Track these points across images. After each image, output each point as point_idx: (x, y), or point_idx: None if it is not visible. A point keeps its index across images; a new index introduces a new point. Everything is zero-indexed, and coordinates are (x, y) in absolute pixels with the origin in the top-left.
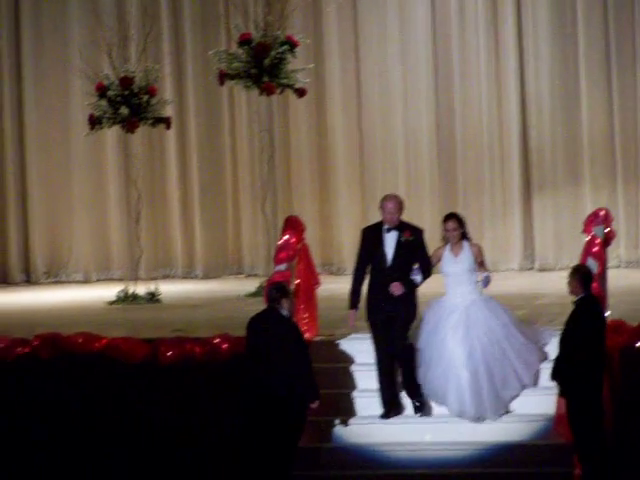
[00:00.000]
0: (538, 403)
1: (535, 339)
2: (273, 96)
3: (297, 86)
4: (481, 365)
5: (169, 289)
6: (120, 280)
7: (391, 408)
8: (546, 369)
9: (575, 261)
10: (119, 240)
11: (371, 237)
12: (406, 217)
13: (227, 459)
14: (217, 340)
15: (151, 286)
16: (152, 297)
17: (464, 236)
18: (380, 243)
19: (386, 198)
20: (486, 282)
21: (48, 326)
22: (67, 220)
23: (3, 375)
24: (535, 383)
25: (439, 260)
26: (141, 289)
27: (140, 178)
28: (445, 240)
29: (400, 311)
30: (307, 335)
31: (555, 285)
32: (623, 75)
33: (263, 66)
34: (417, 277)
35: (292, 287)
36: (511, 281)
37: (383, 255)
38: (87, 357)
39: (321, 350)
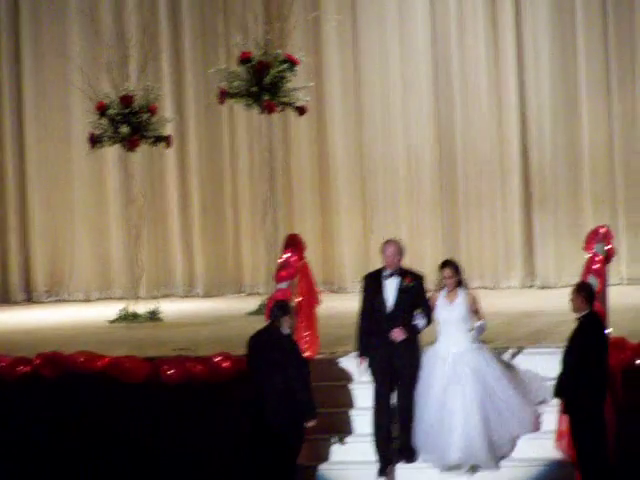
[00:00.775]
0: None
1: (529, 393)
2: (273, 114)
3: (297, 104)
4: (475, 415)
5: (170, 308)
6: (121, 299)
7: (388, 463)
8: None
9: (576, 278)
10: (120, 259)
11: (372, 283)
12: (407, 233)
13: (229, 477)
14: (218, 358)
15: (152, 305)
16: (153, 315)
17: (460, 283)
18: (380, 289)
19: (387, 243)
20: (480, 331)
21: (50, 345)
22: (68, 239)
23: (5, 394)
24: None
25: (433, 306)
26: (142, 308)
27: (140, 197)
28: (440, 286)
29: (405, 365)
30: (308, 353)
31: (556, 303)
32: (623, 88)
33: (263, 84)
34: (419, 322)
35: (293, 305)
36: (512, 299)
37: (383, 301)
38: (89, 376)
39: (321, 368)
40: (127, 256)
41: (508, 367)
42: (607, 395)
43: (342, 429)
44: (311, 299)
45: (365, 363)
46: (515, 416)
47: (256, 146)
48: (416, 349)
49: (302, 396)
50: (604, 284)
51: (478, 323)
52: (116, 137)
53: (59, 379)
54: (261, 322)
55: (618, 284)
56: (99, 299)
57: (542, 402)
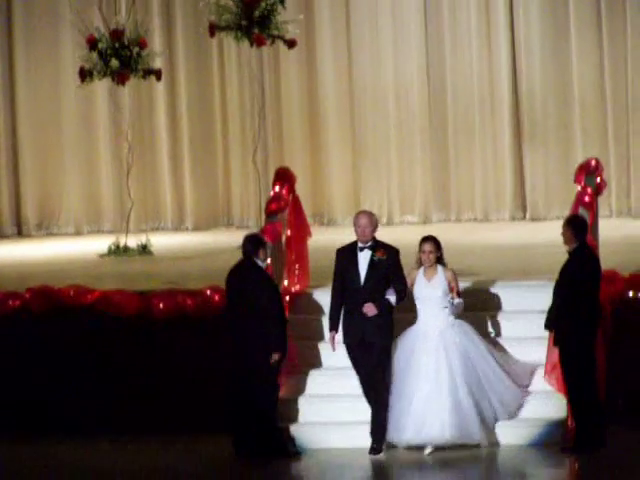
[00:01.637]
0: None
1: (514, 375)
2: (263, 48)
3: (287, 37)
4: (464, 391)
5: (160, 241)
6: (111, 232)
7: (380, 442)
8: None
9: (566, 211)
10: (109, 193)
11: (344, 257)
12: (397, 167)
13: (219, 411)
14: (209, 292)
15: (142, 238)
16: (143, 249)
17: (439, 260)
18: (353, 263)
19: (359, 214)
20: (456, 309)
21: (40, 279)
22: (58, 172)
23: None
24: (509, 418)
25: (412, 283)
26: (132, 241)
27: (130, 131)
28: (419, 262)
29: (376, 338)
30: (298, 286)
31: (547, 235)
32: (613, 21)
33: (253, 18)
34: (391, 297)
35: (283, 238)
36: (503, 232)
37: (356, 275)
38: (79, 310)
39: (309, 300)
40: (117, 190)
41: (493, 349)
42: (598, 327)
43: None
44: (301, 232)
45: (337, 337)
46: (501, 393)
47: (246, 80)
48: (388, 325)
49: (273, 329)
50: (594, 217)
51: (456, 301)
52: (106, 71)
53: (49, 313)
54: None
55: (608, 216)
56: (89, 232)
57: (525, 386)
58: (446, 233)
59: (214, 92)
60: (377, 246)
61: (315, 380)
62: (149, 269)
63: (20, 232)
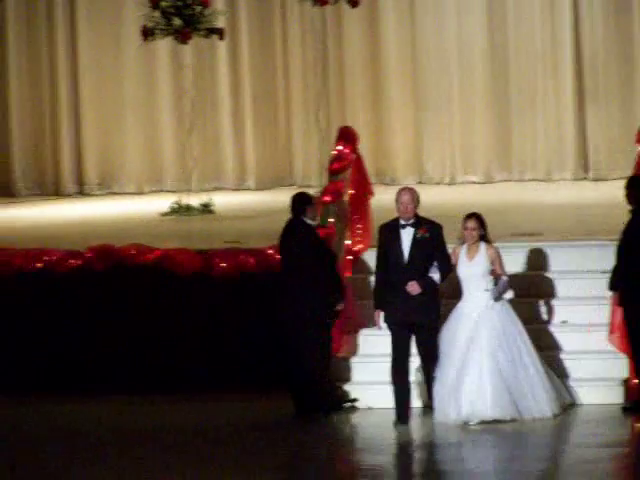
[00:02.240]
0: None
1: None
2: (326, 7)
3: None
4: (503, 374)
5: (221, 201)
6: (172, 192)
7: (406, 412)
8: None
9: (629, 171)
10: (171, 152)
11: (387, 234)
12: (458, 126)
13: (275, 367)
14: (270, 250)
15: (204, 197)
16: (205, 208)
17: (482, 238)
18: (396, 240)
19: (401, 190)
20: (502, 288)
21: (101, 238)
22: (120, 132)
23: (56, 287)
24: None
25: (456, 262)
26: (194, 200)
27: (192, 89)
28: (462, 240)
29: (421, 317)
30: (361, 246)
31: (610, 195)
32: None
33: None
34: (435, 275)
35: (345, 198)
36: (564, 191)
37: (400, 253)
38: (140, 269)
39: (369, 260)
40: (178, 149)
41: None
42: None
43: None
44: (364, 191)
45: (380, 318)
46: (540, 380)
47: (309, 39)
48: (433, 302)
49: (329, 282)
50: None
51: (502, 279)
52: (168, 29)
53: (110, 272)
54: None
55: None
56: (151, 191)
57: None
58: (508, 193)
59: (276, 51)
60: (420, 223)
61: (370, 340)
62: (210, 228)
63: (81, 191)
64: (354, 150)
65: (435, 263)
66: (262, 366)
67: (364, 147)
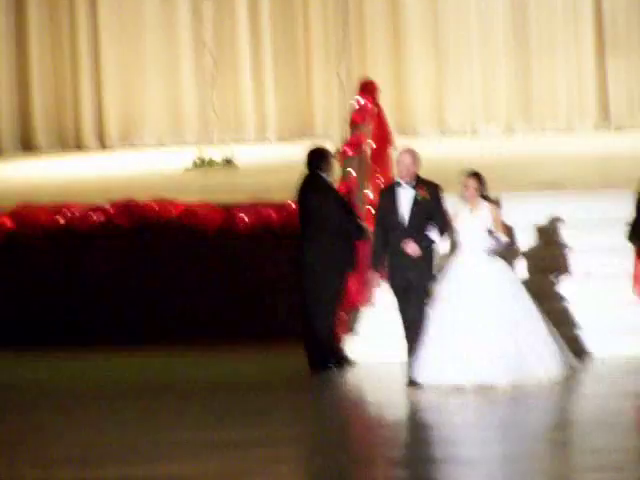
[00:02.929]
0: None
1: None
2: None
3: None
4: (507, 333)
5: (242, 153)
6: (194, 144)
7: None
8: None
9: None
10: (192, 104)
11: (387, 197)
12: (480, 78)
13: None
14: (293, 204)
15: (226, 150)
16: (227, 162)
17: (483, 196)
18: (396, 202)
19: (402, 152)
20: (499, 243)
21: (123, 192)
22: (140, 84)
23: (79, 242)
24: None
25: (456, 217)
26: (216, 154)
27: (212, 43)
28: (463, 199)
29: (417, 277)
30: None
31: (631, 146)
32: None
33: None
34: (432, 233)
35: (367, 150)
36: (586, 141)
37: (399, 215)
38: (163, 223)
39: None
40: (200, 101)
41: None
42: None
43: None
44: (385, 143)
45: (378, 279)
46: (544, 342)
47: None
48: (430, 261)
49: (349, 225)
50: None
51: (501, 238)
52: None
53: (133, 227)
54: (335, 166)
55: None
56: (172, 144)
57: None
58: (529, 143)
59: (297, 3)
60: (419, 184)
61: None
62: (233, 182)
63: (103, 144)
64: (375, 102)
65: (433, 223)
66: (282, 321)
67: (385, 99)
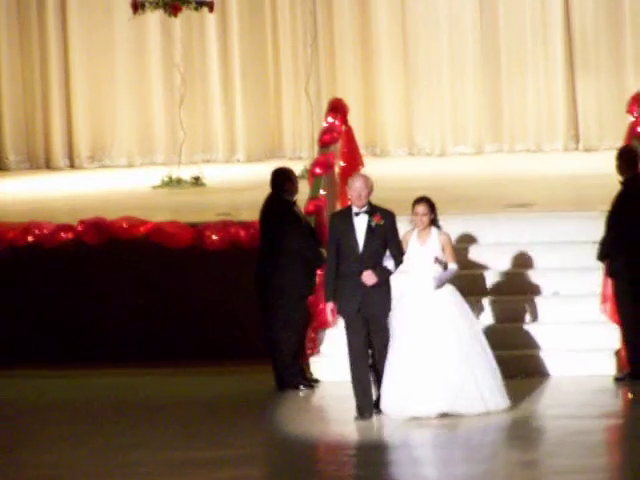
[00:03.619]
0: None
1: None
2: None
3: None
4: (460, 360)
5: (212, 173)
6: (163, 164)
7: (367, 408)
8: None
9: (620, 142)
10: (162, 124)
11: (340, 223)
12: (449, 97)
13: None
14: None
15: (195, 170)
16: (196, 181)
17: (433, 222)
18: (350, 229)
19: (353, 177)
20: (449, 274)
21: (92, 211)
22: (110, 105)
23: (48, 261)
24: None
25: (406, 247)
26: (185, 173)
27: (182, 62)
28: (413, 225)
29: (379, 310)
30: None
31: (600, 166)
32: None
33: None
34: (389, 264)
35: (336, 170)
36: (555, 162)
37: (354, 242)
38: (132, 242)
39: None
40: (169, 121)
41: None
42: None
43: None
44: (354, 163)
45: (335, 311)
46: (487, 382)
47: (298, 11)
48: (388, 292)
49: (308, 253)
50: None
51: (450, 266)
52: (158, 2)
53: (102, 245)
54: (304, 187)
55: None
56: (142, 164)
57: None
58: (499, 164)
59: (266, 23)
60: (373, 211)
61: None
62: (202, 201)
63: (72, 164)
64: (344, 122)
65: (387, 252)
66: (249, 340)
67: (354, 119)
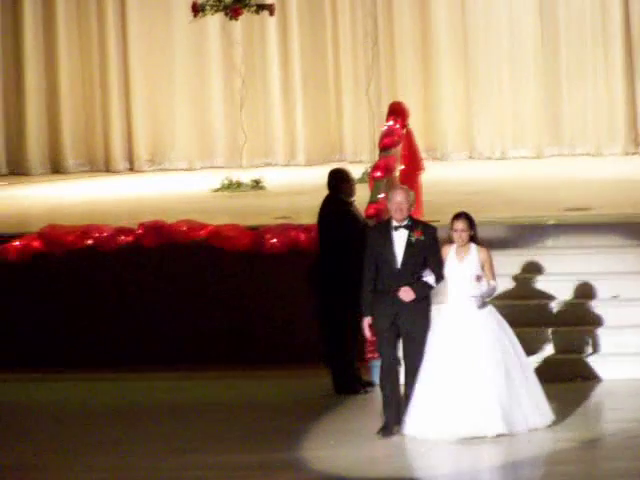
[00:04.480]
0: None
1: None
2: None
3: None
4: (501, 381)
5: (272, 176)
6: (223, 168)
7: (395, 423)
8: None
9: None
10: (221, 128)
11: (378, 236)
12: (509, 100)
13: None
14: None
15: (254, 173)
16: (256, 184)
17: (473, 238)
18: (388, 243)
19: (394, 191)
20: (489, 292)
21: (152, 214)
22: (170, 107)
23: (107, 264)
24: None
25: (444, 262)
26: (245, 176)
27: (242, 65)
28: (451, 240)
29: (415, 326)
30: None
31: None
32: None
33: None
34: (429, 278)
35: (396, 173)
36: (615, 166)
37: (392, 256)
38: (191, 245)
39: None
40: (229, 125)
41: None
42: None
43: None
44: (415, 167)
45: (369, 326)
46: (530, 400)
47: (359, 14)
48: (426, 309)
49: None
50: None
51: (490, 284)
52: (219, 5)
53: (161, 248)
54: (364, 190)
55: None
56: (202, 168)
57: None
58: (558, 168)
59: (326, 26)
60: (414, 225)
61: None
62: (262, 204)
63: (132, 168)
64: (405, 125)
65: (428, 266)
66: (309, 344)
67: (415, 122)
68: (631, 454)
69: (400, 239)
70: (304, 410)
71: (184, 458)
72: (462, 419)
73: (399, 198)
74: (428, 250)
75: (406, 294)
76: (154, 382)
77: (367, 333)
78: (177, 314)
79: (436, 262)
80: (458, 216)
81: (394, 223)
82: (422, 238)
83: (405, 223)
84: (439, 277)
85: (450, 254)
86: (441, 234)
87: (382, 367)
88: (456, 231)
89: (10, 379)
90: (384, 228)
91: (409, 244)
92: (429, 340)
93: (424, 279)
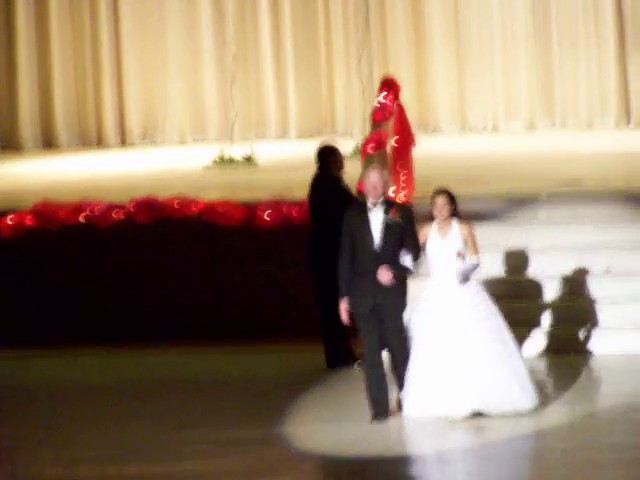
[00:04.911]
0: None
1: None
2: None
3: None
4: (492, 359)
5: (264, 150)
6: (215, 141)
7: (383, 408)
8: None
9: None
10: (213, 101)
11: (354, 217)
12: (501, 74)
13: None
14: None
15: (246, 148)
16: (248, 160)
17: (454, 213)
18: (365, 224)
19: (369, 171)
20: (472, 268)
21: (144, 190)
22: (162, 82)
23: (99, 240)
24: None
25: (425, 240)
26: (237, 151)
27: (234, 39)
28: (432, 218)
29: (392, 306)
30: (405, 193)
31: None
32: None
33: None
34: (406, 259)
35: (388, 148)
36: (607, 139)
37: (369, 238)
38: (184, 221)
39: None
40: (221, 99)
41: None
42: None
43: None
44: (407, 140)
45: (347, 308)
46: (515, 379)
47: None
48: (404, 291)
49: None
50: None
51: (472, 259)
52: None
53: (154, 224)
54: (356, 164)
55: None
56: (194, 141)
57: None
58: (550, 141)
59: (317, 0)
60: (389, 206)
61: None
62: (254, 179)
63: (124, 142)
64: (396, 100)
65: (406, 250)
66: (303, 318)
67: (406, 96)
68: (627, 428)
69: (376, 219)
70: (296, 385)
71: (182, 433)
72: (444, 398)
73: (374, 178)
74: (404, 231)
75: (385, 275)
76: (151, 358)
77: (345, 316)
78: (170, 290)
79: (413, 243)
80: (438, 192)
81: (369, 204)
82: (399, 220)
83: (380, 202)
84: (416, 257)
85: (432, 231)
86: (423, 211)
87: (365, 352)
88: (436, 207)
89: (4, 356)
90: (360, 209)
91: (387, 226)
92: (414, 321)
93: (401, 261)
